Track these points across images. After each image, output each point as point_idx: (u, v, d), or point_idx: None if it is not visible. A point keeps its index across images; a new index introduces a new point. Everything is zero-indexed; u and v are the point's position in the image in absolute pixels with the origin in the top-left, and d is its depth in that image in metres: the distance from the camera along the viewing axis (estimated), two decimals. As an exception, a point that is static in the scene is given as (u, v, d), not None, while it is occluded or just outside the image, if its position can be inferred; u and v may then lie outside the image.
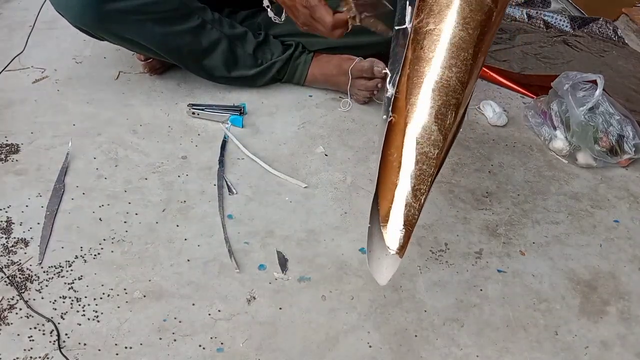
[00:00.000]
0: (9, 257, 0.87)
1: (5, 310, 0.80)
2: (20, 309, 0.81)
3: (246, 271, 0.91)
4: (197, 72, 1.25)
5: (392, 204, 0.64)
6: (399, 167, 0.65)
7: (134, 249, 0.92)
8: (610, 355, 0.89)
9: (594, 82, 1.25)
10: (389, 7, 0.95)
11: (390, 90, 0.69)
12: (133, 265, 0.89)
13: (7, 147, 1.06)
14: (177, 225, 0.96)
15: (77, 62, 1.31)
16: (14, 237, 0.90)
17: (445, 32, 0.67)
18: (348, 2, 0.98)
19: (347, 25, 0.99)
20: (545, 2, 1.90)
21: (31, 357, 0.76)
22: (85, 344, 0.78)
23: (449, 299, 0.92)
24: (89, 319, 0.81)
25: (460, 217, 1.07)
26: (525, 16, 1.78)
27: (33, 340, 0.77)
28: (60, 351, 0.76)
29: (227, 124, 1.18)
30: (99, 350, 0.78)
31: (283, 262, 0.93)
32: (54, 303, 0.82)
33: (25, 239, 0.90)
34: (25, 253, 0.88)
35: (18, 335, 0.78)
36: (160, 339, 0.80)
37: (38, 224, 0.93)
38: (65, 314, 0.81)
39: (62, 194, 0.98)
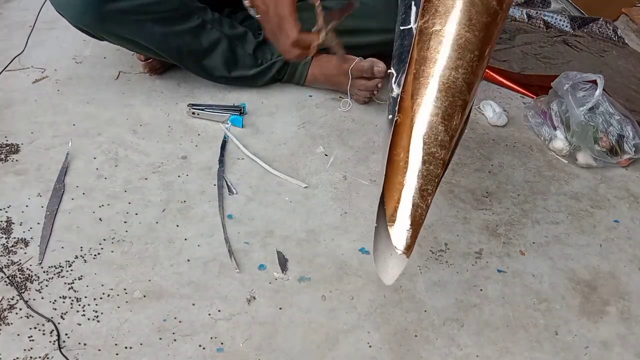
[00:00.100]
0: (9, 257, 0.87)
1: (5, 310, 0.80)
2: (20, 309, 0.81)
3: (246, 271, 0.91)
4: (197, 72, 1.25)
5: (398, 203, 0.64)
6: (406, 167, 0.65)
7: (134, 249, 0.92)
8: (610, 355, 0.89)
9: (594, 82, 1.25)
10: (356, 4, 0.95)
11: (396, 90, 0.69)
12: (133, 265, 0.89)
13: (7, 147, 1.06)
14: (177, 225, 0.96)
15: (77, 62, 1.31)
16: (14, 237, 0.90)
17: (451, 33, 0.67)
18: (319, 20, 0.97)
19: (308, 49, 0.97)
20: (545, 2, 1.90)
21: (31, 357, 0.76)
22: (85, 344, 0.78)
23: (449, 299, 0.92)
24: (89, 319, 0.81)
25: (460, 217, 1.07)
26: (525, 16, 1.78)
27: (33, 340, 0.77)
28: (60, 351, 0.76)
29: (227, 124, 1.18)
30: (99, 350, 0.78)
31: (283, 262, 0.93)
32: (54, 303, 0.82)
33: (25, 239, 0.90)
34: (25, 253, 0.88)
35: (18, 335, 0.78)
36: (160, 339, 0.80)
37: (38, 224, 0.93)
38: (65, 314, 0.81)
39: (62, 194, 0.99)
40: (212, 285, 0.88)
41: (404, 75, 0.68)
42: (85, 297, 0.84)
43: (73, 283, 0.85)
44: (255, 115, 1.23)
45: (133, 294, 0.85)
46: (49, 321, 0.80)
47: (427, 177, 0.64)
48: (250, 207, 1.02)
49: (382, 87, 1.26)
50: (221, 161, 1.09)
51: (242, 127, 1.19)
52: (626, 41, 1.79)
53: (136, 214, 0.97)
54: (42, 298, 0.83)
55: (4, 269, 0.85)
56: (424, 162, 0.64)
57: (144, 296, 0.85)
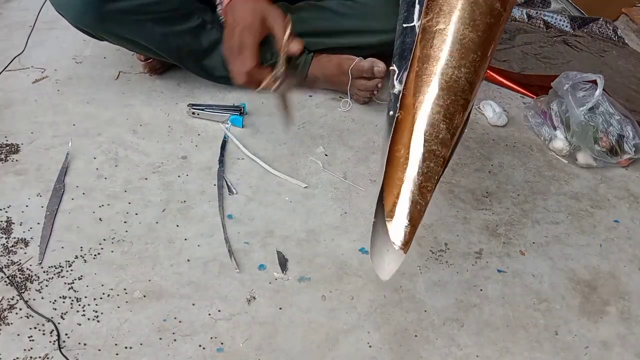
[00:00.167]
0: (9, 257, 0.87)
1: (5, 310, 0.80)
2: (20, 309, 0.81)
3: (246, 271, 0.91)
4: (197, 72, 1.25)
5: (398, 199, 0.64)
6: (406, 163, 0.65)
7: (134, 249, 0.92)
8: (610, 355, 0.89)
9: (594, 82, 1.25)
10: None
11: (398, 87, 0.69)
12: (133, 265, 0.89)
13: (7, 147, 1.06)
14: (177, 225, 0.96)
15: (77, 62, 1.31)
16: (14, 237, 0.90)
17: (455, 32, 0.67)
18: (279, 68, 0.98)
19: (257, 84, 0.98)
20: (545, 2, 1.90)
21: (31, 357, 0.76)
22: (85, 344, 0.78)
23: (449, 299, 0.92)
24: (89, 319, 0.81)
25: (460, 217, 1.07)
26: (525, 16, 1.78)
27: (33, 340, 0.77)
28: (60, 351, 0.76)
29: (227, 124, 1.18)
30: (99, 350, 0.78)
31: (283, 262, 0.93)
32: (54, 303, 0.82)
33: (25, 239, 0.90)
34: (25, 253, 0.88)
35: (18, 335, 0.78)
36: (160, 339, 0.80)
37: (38, 224, 0.93)
38: (65, 314, 0.81)
39: (62, 194, 0.98)
40: (212, 285, 0.88)
41: (406, 73, 0.68)
42: (85, 297, 0.84)
43: (73, 283, 0.85)
44: (255, 115, 1.23)
45: (133, 294, 0.85)
46: (49, 321, 0.79)
47: (427, 174, 0.64)
48: (250, 207, 1.02)
49: (382, 87, 1.26)
50: (221, 161, 1.09)
51: (242, 127, 1.19)
52: (626, 41, 1.79)
53: (136, 214, 0.97)
54: (42, 298, 0.83)
55: (4, 269, 0.85)
56: (424, 159, 0.64)
57: (144, 296, 0.85)
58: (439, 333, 0.87)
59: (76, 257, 0.89)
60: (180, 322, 0.83)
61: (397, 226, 0.63)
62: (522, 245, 1.04)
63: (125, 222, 0.96)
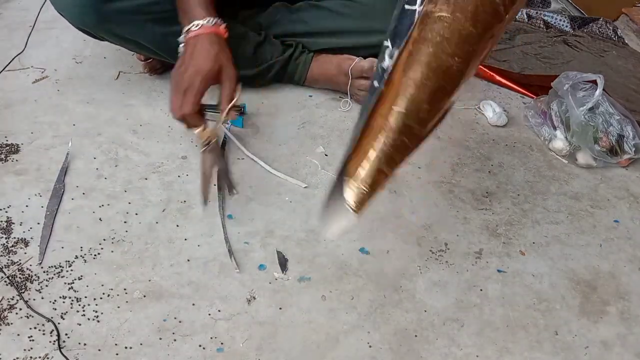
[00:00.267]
0: (9, 257, 0.87)
1: (5, 310, 0.80)
2: (20, 309, 0.81)
3: (246, 271, 0.91)
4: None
5: (363, 162, 0.65)
6: (381, 133, 0.65)
7: (134, 249, 0.92)
8: (610, 355, 0.89)
9: (594, 82, 1.25)
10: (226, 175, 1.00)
11: (388, 61, 0.69)
12: (133, 265, 0.89)
13: (7, 147, 1.06)
14: (177, 225, 0.96)
15: (77, 62, 1.31)
16: (14, 237, 0.90)
17: (456, 23, 0.68)
18: (219, 123, 1.01)
19: (189, 126, 0.98)
20: (545, 2, 1.90)
21: (31, 357, 0.76)
22: (85, 344, 0.78)
23: (449, 299, 0.92)
24: (89, 319, 0.81)
25: (460, 217, 1.07)
26: (525, 16, 1.78)
27: (33, 340, 0.77)
28: (60, 351, 0.76)
29: (227, 124, 1.18)
30: (99, 350, 0.78)
31: (283, 262, 0.93)
32: (54, 303, 0.82)
33: (25, 239, 0.90)
34: (25, 253, 0.88)
35: (18, 335, 0.78)
36: (160, 339, 0.80)
37: (38, 224, 0.93)
38: (65, 314, 0.81)
39: (62, 194, 0.99)
40: (212, 285, 0.88)
41: (400, 51, 0.69)
42: (85, 297, 0.84)
43: (73, 283, 0.85)
44: (255, 115, 1.23)
45: (133, 294, 0.85)
46: (49, 321, 0.80)
47: (399, 148, 0.65)
48: (250, 207, 1.02)
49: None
50: (221, 161, 1.09)
51: (242, 127, 1.19)
52: (626, 41, 1.79)
53: (136, 214, 0.97)
54: (42, 298, 0.83)
55: (4, 269, 0.85)
56: (400, 133, 0.65)
57: (144, 296, 0.85)
58: (439, 333, 0.87)
59: (76, 257, 0.89)
60: (180, 322, 0.83)
61: (356, 187, 0.64)
62: (522, 245, 1.04)
63: (125, 222, 0.96)
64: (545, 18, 1.78)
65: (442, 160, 1.20)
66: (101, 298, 0.84)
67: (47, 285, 0.84)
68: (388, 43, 0.73)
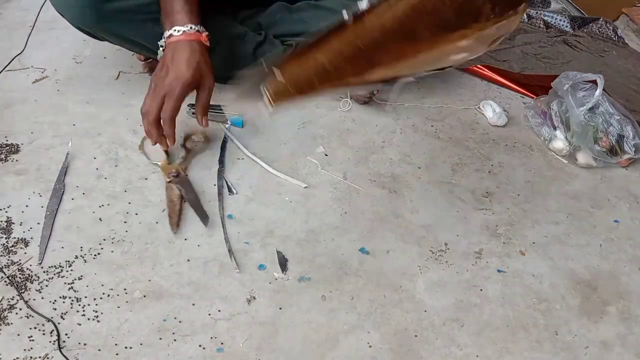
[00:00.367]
0: (9, 257, 0.87)
1: (5, 310, 0.80)
2: (20, 309, 0.81)
3: (246, 271, 0.91)
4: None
5: (299, 64, 0.67)
6: (332, 52, 0.67)
7: (134, 249, 0.92)
8: (610, 355, 0.89)
9: (594, 82, 1.25)
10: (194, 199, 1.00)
11: (365, 4, 0.69)
12: (133, 265, 0.89)
13: (7, 147, 1.06)
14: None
15: (77, 62, 1.31)
16: (14, 237, 0.90)
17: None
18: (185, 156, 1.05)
19: (154, 133, 0.99)
20: (545, 2, 1.90)
21: (31, 357, 0.76)
22: (85, 344, 0.78)
23: (449, 299, 0.92)
24: (89, 319, 0.81)
25: (460, 217, 1.07)
26: (525, 16, 1.78)
27: (33, 340, 0.77)
28: (60, 351, 0.76)
29: (227, 124, 1.18)
30: (99, 350, 0.78)
31: (283, 262, 0.93)
32: (54, 303, 0.82)
33: (25, 239, 0.90)
34: (25, 253, 0.88)
35: (18, 335, 0.78)
36: (160, 339, 0.80)
37: (38, 224, 0.93)
38: (65, 314, 0.81)
39: (62, 194, 0.98)
40: (212, 285, 0.88)
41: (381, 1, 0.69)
42: (85, 297, 0.84)
43: (73, 283, 0.85)
44: (255, 115, 1.23)
45: (133, 294, 0.85)
46: (49, 321, 0.79)
47: (340, 72, 0.68)
48: (250, 207, 1.02)
49: (382, 87, 1.26)
50: (221, 161, 1.09)
51: (242, 127, 1.19)
52: (626, 41, 1.79)
53: (136, 214, 0.97)
54: (42, 298, 0.83)
55: (4, 269, 0.85)
56: (349, 62, 0.67)
57: (144, 296, 0.85)
58: (439, 333, 0.87)
59: (76, 257, 0.89)
60: (180, 322, 0.83)
61: (281, 79, 0.66)
62: (522, 245, 1.04)
63: (125, 222, 0.96)
64: (545, 18, 1.78)
65: (442, 160, 1.20)
66: (101, 298, 0.84)
67: (47, 285, 0.84)
68: None
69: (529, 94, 1.45)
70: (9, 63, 1.22)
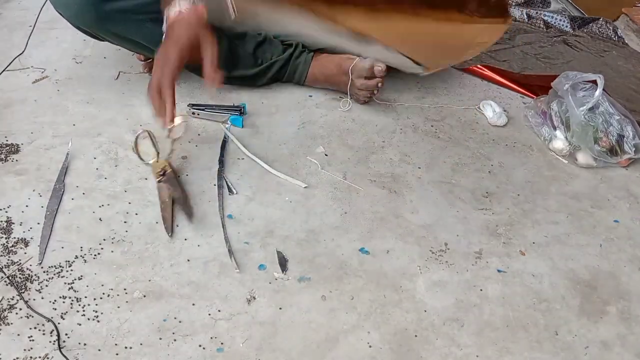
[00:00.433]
0: (9, 257, 0.87)
1: (5, 310, 0.80)
2: (20, 309, 0.81)
3: (246, 271, 0.91)
4: (196, 72, 1.25)
5: None
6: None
7: (134, 249, 0.92)
8: (610, 355, 0.89)
9: (594, 82, 1.25)
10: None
11: None
12: (133, 265, 0.89)
13: (7, 147, 1.06)
14: (177, 225, 0.96)
15: (77, 62, 1.31)
16: (14, 237, 0.90)
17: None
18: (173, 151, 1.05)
19: (157, 102, 0.98)
20: (545, 2, 1.90)
21: (31, 357, 0.76)
22: (85, 344, 0.78)
23: (449, 299, 0.92)
24: (89, 319, 0.81)
25: (460, 217, 1.07)
26: (525, 16, 1.78)
27: (33, 340, 0.77)
28: (60, 351, 0.76)
29: (227, 124, 1.18)
30: (99, 350, 0.78)
31: (283, 262, 0.93)
32: (54, 303, 0.82)
33: (25, 239, 0.90)
34: (25, 253, 0.88)
35: (18, 335, 0.78)
36: (160, 339, 0.80)
37: (38, 224, 0.93)
38: (65, 314, 0.81)
39: (62, 194, 0.98)
40: (212, 285, 0.88)
41: None
42: (85, 297, 0.84)
43: (73, 283, 0.85)
44: (255, 115, 1.23)
45: (133, 294, 0.85)
46: (49, 321, 0.79)
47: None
48: (250, 207, 1.02)
49: (382, 87, 1.26)
50: (221, 161, 1.09)
51: (242, 127, 1.19)
52: (626, 41, 1.79)
53: (136, 214, 0.97)
54: (42, 298, 0.83)
55: (4, 269, 0.85)
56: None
57: (144, 296, 0.85)
58: (439, 333, 0.87)
59: (76, 257, 0.89)
60: (180, 322, 0.83)
61: None
62: (522, 245, 1.04)
63: (125, 222, 0.96)
64: (545, 18, 1.78)
65: (442, 160, 1.20)
66: (101, 298, 0.84)
67: (47, 285, 0.84)
68: None
69: (529, 94, 1.45)
70: (10, 63, 1.22)
